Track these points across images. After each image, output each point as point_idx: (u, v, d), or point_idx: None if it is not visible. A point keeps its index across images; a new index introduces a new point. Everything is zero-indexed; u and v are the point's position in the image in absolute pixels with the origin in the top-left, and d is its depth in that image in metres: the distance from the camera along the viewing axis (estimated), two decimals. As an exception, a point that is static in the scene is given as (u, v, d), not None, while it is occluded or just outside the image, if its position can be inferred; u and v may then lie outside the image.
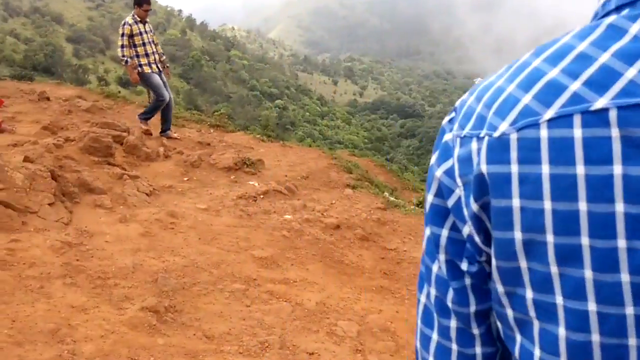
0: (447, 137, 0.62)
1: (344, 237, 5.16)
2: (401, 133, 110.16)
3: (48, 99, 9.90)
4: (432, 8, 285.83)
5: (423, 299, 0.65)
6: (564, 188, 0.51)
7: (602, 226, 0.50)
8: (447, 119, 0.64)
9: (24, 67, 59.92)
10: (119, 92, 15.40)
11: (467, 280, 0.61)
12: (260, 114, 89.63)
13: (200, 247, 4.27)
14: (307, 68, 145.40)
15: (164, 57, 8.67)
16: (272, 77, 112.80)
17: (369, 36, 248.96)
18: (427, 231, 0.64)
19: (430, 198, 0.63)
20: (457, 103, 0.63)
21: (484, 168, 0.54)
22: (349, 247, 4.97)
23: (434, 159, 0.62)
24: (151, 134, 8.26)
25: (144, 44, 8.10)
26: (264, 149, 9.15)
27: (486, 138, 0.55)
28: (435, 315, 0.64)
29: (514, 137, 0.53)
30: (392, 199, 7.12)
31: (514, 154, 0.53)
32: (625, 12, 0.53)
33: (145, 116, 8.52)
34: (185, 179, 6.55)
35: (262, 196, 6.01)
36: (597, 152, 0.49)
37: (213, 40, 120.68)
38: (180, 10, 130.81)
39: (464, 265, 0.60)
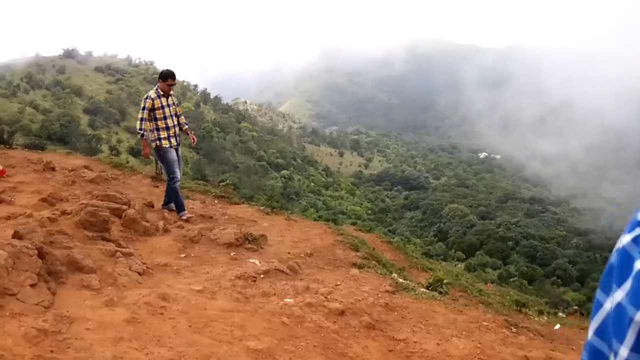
0: None
1: (349, 324, 4.76)
2: (405, 205, 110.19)
3: (53, 169, 9.75)
4: (440, 85, 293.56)
5: None
6: None
7: None
8: (628, 238, 0.49)
9: (39, 137, 61.05)
10: (127, 161, 15.36)
11: None
12: (266, 183, 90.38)
13: (190, 337, 3.87)
14: (314, 140, 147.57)
15: (186, 126, 8.59)
16: (279, 148, 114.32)
17: (376, 110, 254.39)
18: None
19: (624, 353, 0.51)
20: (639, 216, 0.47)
21: None
22: (354, 337, 4.56)
23: (621, 295, 0.51)
24: (188, 220, 7.97)
25: (164, 118, 8.06)
26: (268, 223, 8.88)
27: None
28: None
29: None
30: (400, 280, 6.74)
31: None
32: None
33: (169, 204, 8.36)
34: (183, 255, 6.23)
35: (262, 276, 5.67)
36: None
37: (225, 113, 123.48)
38: (195, 85, 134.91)
39: None
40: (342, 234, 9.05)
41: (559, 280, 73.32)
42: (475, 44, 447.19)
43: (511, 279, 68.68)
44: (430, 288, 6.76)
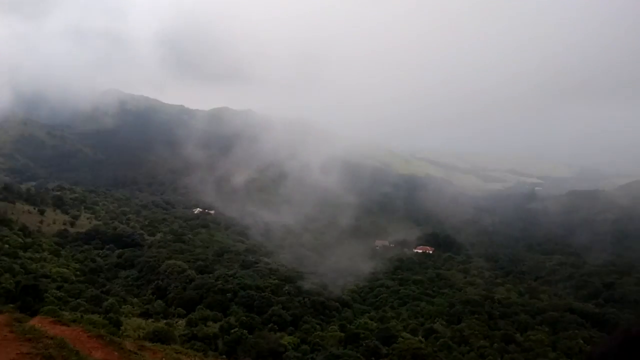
0: None
1: None
2: (119, 263, 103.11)
3: None
4: (151, 142, 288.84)
5: None
6: None
7: None
8: None
9: None
10: None
11: None
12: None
13: None
14: (8, 197, 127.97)
15: None
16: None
17: (81, 166, 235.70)
18: None
19: None
20: None
21: None
22: None
23: None
24: None
25: None
26: None
27: None
28: None
29: None
30: None
31: None
32: None
33: None
34: None
35: None
36: None
37: None
38: None
39: None
40: (30, 339, 6.82)
41: (276, 326, 76.92)
42: (182, 105, 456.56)
43: (232, 330, 69.44)
44: None
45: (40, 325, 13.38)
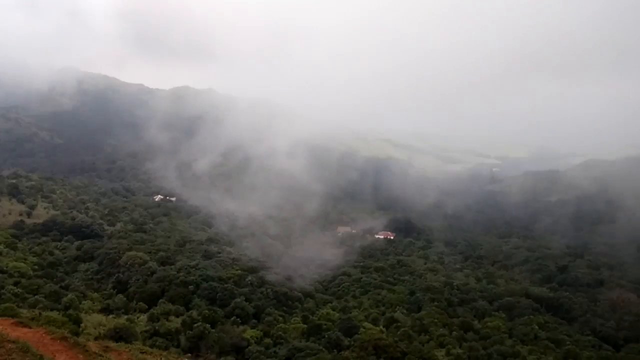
0: None
1: None
2: (78, 256, 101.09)
3: None
4: (110, 125, 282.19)
5: None
6: None
7: None
8: None
9: None
10: None
11: None
12: None
13: None
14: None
15: None
16: None
17: (38, 151, 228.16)
18: None
19: None
20: None
21: None
22: None
23: None
24: None
25: None
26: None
27: None
28: None
29: None
30: None
31: None
32: None
33: None
34: None
35: None
36: None
37: None
38: None
39: None
40: None
41: (239, 319, 77.31)
42: (142, 83, 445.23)
43: (195, 325, 69.43)
44: None
45: (0, 327, 13.06)
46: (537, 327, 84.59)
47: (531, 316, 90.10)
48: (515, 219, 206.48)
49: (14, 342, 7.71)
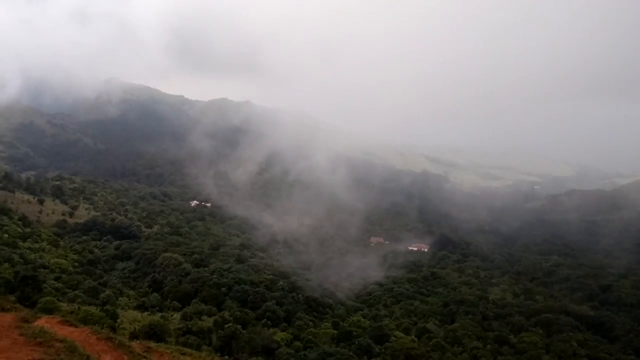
0: None
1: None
2: (116, 255, 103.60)
3: None
4: (151, 133, 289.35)
5: None
6: None
7: None
8: None
9: None
10: None
11: None
12: None
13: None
14: (7, 186, 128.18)
15: None
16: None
17: (81, 155, 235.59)
18: None
19: None
20: None
21: None
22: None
23: None
24: None
25: None
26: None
27: None
28: None
29: None
30: None
31: None
32: None
33: None
34: None
35: None
36: None
37: None
38: None
39: None
40: (41, 342, 6.89)
41: (269, 322, 77.24)
42: (182, 95, 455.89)
43: (226, 325, 69.71)
44: None
45: (48, 326, 13.48)
46: (576, 344, 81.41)
47: (570, 333, 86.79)
48: (555, 236, 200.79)
49: (62, 341, 7.84)
